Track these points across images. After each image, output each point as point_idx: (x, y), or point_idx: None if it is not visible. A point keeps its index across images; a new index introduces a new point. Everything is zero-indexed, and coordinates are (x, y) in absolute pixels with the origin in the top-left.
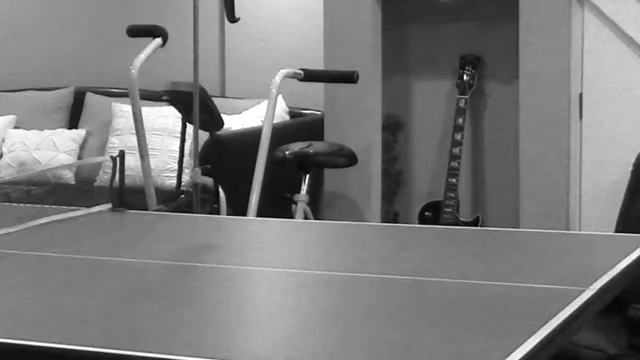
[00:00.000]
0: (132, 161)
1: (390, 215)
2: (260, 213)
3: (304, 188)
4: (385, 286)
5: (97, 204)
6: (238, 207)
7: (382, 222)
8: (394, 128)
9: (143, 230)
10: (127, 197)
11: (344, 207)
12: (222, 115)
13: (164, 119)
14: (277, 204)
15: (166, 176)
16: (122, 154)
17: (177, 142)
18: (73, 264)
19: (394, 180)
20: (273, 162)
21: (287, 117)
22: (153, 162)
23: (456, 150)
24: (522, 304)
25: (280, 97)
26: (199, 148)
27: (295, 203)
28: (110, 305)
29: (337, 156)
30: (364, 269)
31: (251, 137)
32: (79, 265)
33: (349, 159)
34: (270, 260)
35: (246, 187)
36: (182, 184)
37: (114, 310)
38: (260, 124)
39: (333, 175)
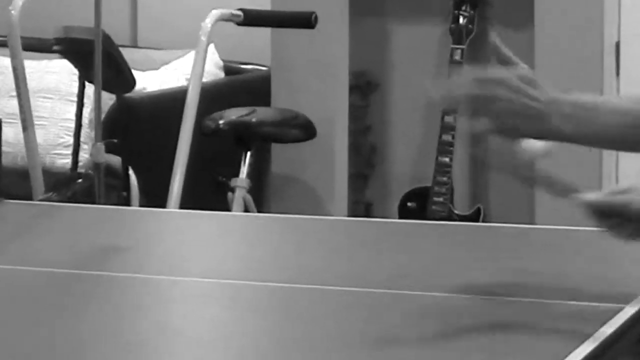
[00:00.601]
0: (12, 133)
1: (361, 206)
2: (185, 203)
3: (244, 170)
4: (355, 302)
5: None
6: (155, 196)
7: (350, 215)
8: (365, 90)
9: (25, 226)
10: (5, 182)
11: (297, 195)
12: (134, 72)
13: (54, 77)
14: (207, 191)
15: (58, 154)
16: None
17: (73, 108)
18: None
19: (365, 159)
20: (202, 135)
21: (222, 74)
22: (40, 135)
23: (449, 119)
24: (545, 325)
25: (211, 48)
26: (102, 116)
27: (233, 190)
28: None
29: (289, 127)
30: (325, 279)
31: (172, 101)
32: None
33: (305, 130)
34: (199, 268)
35: (166, 168)
36: (80, 164)
37: None
38: (184, 83)
39: (283, 153)
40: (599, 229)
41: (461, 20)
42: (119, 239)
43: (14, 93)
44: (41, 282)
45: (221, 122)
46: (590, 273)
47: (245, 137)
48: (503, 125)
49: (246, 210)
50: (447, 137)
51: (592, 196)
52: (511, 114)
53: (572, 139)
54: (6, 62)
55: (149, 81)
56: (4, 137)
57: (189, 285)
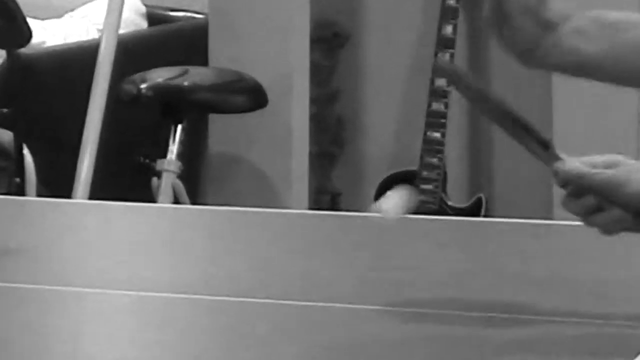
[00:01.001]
0: None
1: (326, 196)
2: (97, 192)
3: (173, 149)
4: (312, 320)
5: None
6: (57, 182)
7: (311, 208)
8: (331, 44)
9: None
10: None
11: (242, 182)
12: (30, 21)
13: None
14: (125, 177)
15: None
16: None
17: None
18: None
19: (331, 135)
20: (119, 103)
21: (144, 24)
22: None
23: (441, 83)
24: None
25: None
26: None
27: (159, 174)
28: None
29: (231, 92)
30: (275, 291)
31: (80, 58)
32: None
33: (252, 97)
34: (114, 276)
35: (71, 147)
36: None
37: None
38: (95, 35)
39: (224, 127)
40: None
41: None
42: (10, 239)
43: None
44: None
45: (143, 86)
46: (627, 279)
47: (174, 105)
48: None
49: (176, 200)
50: (438, 106)
51: (568, 165)
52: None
53: None
54: None
55: (50, 32)
56: None
57: (102, 299)
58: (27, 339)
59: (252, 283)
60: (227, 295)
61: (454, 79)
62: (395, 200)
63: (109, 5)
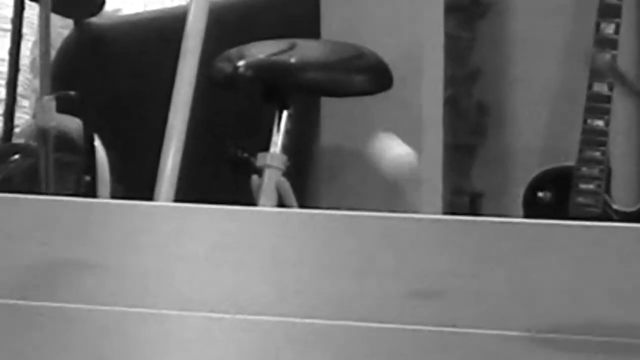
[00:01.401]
0: None
1: (464, 198)
2: (184, 192)
3: (278, 140)
4: (447, 347)
5: None
6: (135, 180)
7: (447, 211)
8: (470, 13)
9: None
10: None
11: (362, 180)
12: None
13: None
14: (219, 174)
15: None
16: None
17: (5, 42)
18: None
19: (470, 123)
20: (211, 85)
21: None
22: None
23: (602, 56)
24: None
25: None
26: (53, 54)
27: (259, 171)
28: None
29: (348, 71)
30: (406, 314)
31: (163, 29)
32: None
33: (374, 77)
34: (206, 295)
35: (152, 138)
36: (16, 130)
37: None
38: (182, 2)
39: (339, 114)
40: None
41: None
42: (80, 250)
43: None
44: None
45: (241, 63)
46: None
47: (279, 87)
48: None
49: (281, 202)
50: (601, 87)
51: None
52: None
53: None
54: None
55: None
56: None
57: (189, 324)
58: None
59: (372, 304)
60: (347, 319)
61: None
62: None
63: None
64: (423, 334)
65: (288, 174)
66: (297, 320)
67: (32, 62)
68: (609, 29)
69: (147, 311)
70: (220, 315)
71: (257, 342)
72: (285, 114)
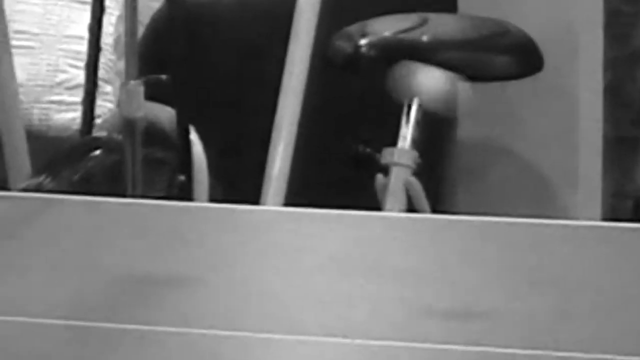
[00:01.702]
0: None
1: (628, 201)
2: (295, 193)
3: (407, 133)
4: None
5: None
6: (238, 179)
7: (606, 217)
8: None
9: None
10: None
11: (506, 180)
12: None
13: None
14: (337, 172)
15: (56, 102)
16: None
17: (83, 17)
18: None
19: (635, 112)
20: (328, 67)
21: None
22: (22, 67)
23: None
24: None
25: None
26: (140, 33)
27: (386, 169)
28: None
29: (490, 51)
30: (560, 341)
31: (270, 2)
32: None
33: (521, 58)
34: (326, 319)
35: (258, 130)
36: (98, 121)
37: None
38: None
39: (480, 101)
40: None
41: None
42: (171, 263)
43: None
44: (20, 342)
45: (364, 42)
46: None
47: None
48: None
49: (410, 206)
50: None
51: None
52: None
53: None
54: None
55: None
56: None
57: (302, 350)
58: None
59: (520, 326)
60: (485, 345)
61: None
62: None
63: None
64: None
65: (419, 172)
66: (430, 346)
67: (116, 41)
68: None
69: (250, 335)
70: (338, 339)
71: None
72: (415, 101)
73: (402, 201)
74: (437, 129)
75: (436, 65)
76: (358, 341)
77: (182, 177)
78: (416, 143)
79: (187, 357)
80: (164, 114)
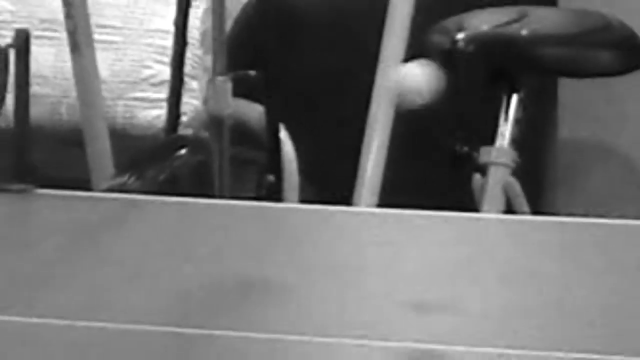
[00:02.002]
0: (51, 59)
1: None
2: (390, 194)
3: (506, 131)
4: None
5: None
6: (330, 180)
7: None
8: None
9: (79, 241)
10: (36, 154)
11: (609, 180)
12: None
13: None
14: (433, 172)
15: (140, 99)
16: (22, 42)
17: (168, 12)
18: None
19: None
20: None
21: None
22: (106, 63)
23: None
24: None
25: None
26: (227, 27)
27: (483, 169)
28: None
29: (593, 46)
30: None
31: None
32: None
33: (626, 53)
34: (422, 323)
35: (350, 129)
36: (183, 119)
37: None
38: None
39: (582, 99)
40: None
41: None
42: (258, 267)
43: None
44: (106, 349)
45: (460, 36)
46: None
47: (508, 66)
48: None
49: (509, 206)
50: None
51: None
52: None
53: None
54: None
55: None
56: (35, 67)
57: (394, 356)
58: None
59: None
60: (580, 351)
61: None
62: (419, 77)
63: None
64: None
65: (518, 172)
66: (517, 352)
67: (203, 35)
68: None
69: (338, 341)
70: (436, 347)
71: None
72: (515, 98)
73: (500, 202)
74: (537, 127)
75: (538, 63)
76: (461, 348)
77: (271, 178)
78: (515, 142)
79: None
80: (253, 112)
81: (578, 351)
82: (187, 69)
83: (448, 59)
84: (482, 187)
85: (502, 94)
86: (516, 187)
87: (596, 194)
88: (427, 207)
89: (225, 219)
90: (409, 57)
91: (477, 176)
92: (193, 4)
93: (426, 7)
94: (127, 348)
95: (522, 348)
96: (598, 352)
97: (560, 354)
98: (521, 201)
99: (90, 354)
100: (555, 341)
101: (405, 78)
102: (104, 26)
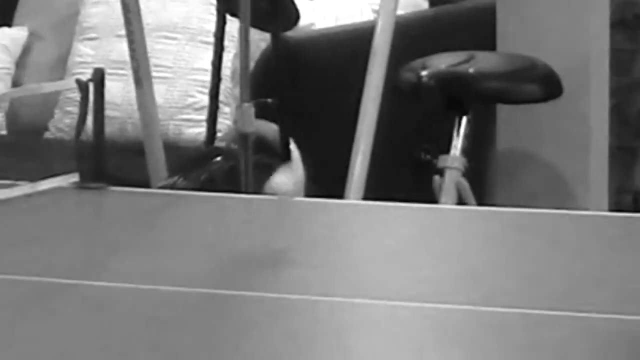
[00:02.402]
0: (120, 90)
1: (628, 196)
2: (372, 191)
3: (458, 143)
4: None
5: (51, 175)
6: (328, 181)
7: (612, 209)
8: (634, 27)
9: (141, 226)
10: (109, 161)
11: (535, 180)
12: (297, 1)
13: (181, 9)
14: (404, 175)
15: (186, 120)
16: (99, 77)
17: (208, 54)
18: (10, 291)
19: (634, 128)
20: (396, 93)
21: (425, 5)
22: (161, 93)
23: None
24: None
25: None
26: (251, 65)
27: (441, 172)
28: None
29: (522, 81)
30: (576, 303)
31: (353, 42)
32: (11, 296)
33: (546, 86)
34: (394, 286)
35: (343, 141)
36: (218, 135)
37: None
38: (371, 17)
39: (514, 119)
40: None
41: None
42: (276, 244)
43: (122, 32)
44: (160, 307)
45: (424, 73)
46: None
47: (459, 95)
48: None
49: (460, 201)
50: None
51: None
52: None
53: None
54: None
55: (320, 14)
56: (108, 96)
57: (375, 311)
58: (294, 349)
59: (544, 293)
60: (519, 307)
61: None
62: (286, 178)
63: None
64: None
65: (467, 174)
66: (474, 308)
67: (233, 72)
68: None
69: (335, 299)
70: (405, 303)
71: (435, 327)
72: (464, 119)
73: (453, 197)
74: (481, 140)
75: (481, 93)
76: (416, 304)
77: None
78: (464, 151)
79: (287, 318)
80: (270, 129)
81: (504, 306)
82: (221, 97)
83: (415, 90)
84: (440, 186)
85: (454, 116)
86: (465, 185)
87: (525, 191)
88: (399, 200)
89: (249, 208)
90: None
91: (436, 177)
92: (225, 49)
93: (398, 52)
94: (176, 305)
95: (468, 304)
96: (522, 307)
97: (501, 309)
98: (469, 196)
99: (149, 310)
100: (496, 298)
101: (275, 187)
102: (160, 66)
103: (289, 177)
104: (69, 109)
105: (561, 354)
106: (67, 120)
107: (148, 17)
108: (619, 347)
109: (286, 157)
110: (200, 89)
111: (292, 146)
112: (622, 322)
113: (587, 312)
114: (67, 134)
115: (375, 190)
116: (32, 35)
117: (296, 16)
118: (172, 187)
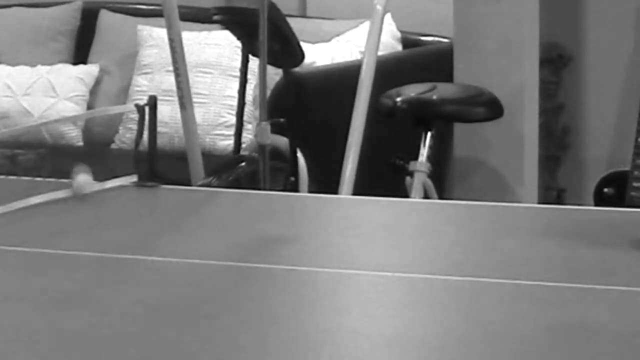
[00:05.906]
0: (168, 112)
1: (552, 192)
2: (359, 189)
3: (424, 152)
4: (547, 299)
5: (116, 176)
6: (325, 181)
7: (541, 202)
8: (557, 64)
9: (182, 214)
10: (160, 165)
11: (482, 180)
12: (302, 44)
13: (215, 50)
14: (383, 176)
15: (219, 135)
16: (153, 102)
17: (235, 84)
18: (80, 265)
19: (557, 140)
20: (378, 114)
21: (399, 47)
22: (199, 114)
23: None
24: None
25: (388, 18)
26: (268, 93)
27: (411, 174)
28: (137, 326)
29: (473, 105)
30: (514, 272)
31: (345, 76)
32: (88, 267)
33: (490, 109)
34: (375, 260)
35: (337, 150)
36: (243, 146)
37: (142, 333)
38: (358, 57)
39: (466, 134)
40: None
41: None
42: (286, 229)
43: (171, 68)
44: (202, 277)
45: (399, 99)
46: None
47: (425, 116)
48: None
49: (426, 196)
50: None
51: None
52: None
53: None
54: (162, 33)
55: (319, 54)
56: (159, 117)
57: (361, 280)
58: (298, 315)
59: (487, 265)
60: (469, 276)
61: None
62: (86, 177)
63: (370, 31)
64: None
65: (431, 176)
66: (435, 277)
67: (254, 99)
68: None
69: (331, 271)
70: (384, 273)
71: (407, 291)
72: (429, 134)
73: (421, 193)
74: (441, 150)
75: (442, 114)
76: (396, 274)
77: (292, 179)
78: (429, 158)
79: (295, 284)
80: (282, 142)
81: (458, 275)
82: (245, 118)
83: (391, 112)
84: (411, 185)
85: (422, 131)
86: (430, 184)
87: (475, 188)
88: (380, 196)
89: (267, 202)
90: None
91: (408, 178)
92: (248, 81)
93: (379, 83)
94: (208, 277)
95: (431, 274)
96: (471, 276)
97: (454, 278)
98: (433, 192)
99: (192, 277)
100: (451, 268)
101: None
102: (199, 94)
103: (89, 177)
104: (129, 126)
105: (498, 310)
106: (128, 135)
107: (190, 57)
108: (530, 308)
109: (294, 163)
110: (229, 111)
111: (299, 154)
112: (544, 287)
113: (519, 279)
114: (128, 145)
115: (362, 188)
116: (102, 71)
117: (302, 56)
118: (208, 185)
